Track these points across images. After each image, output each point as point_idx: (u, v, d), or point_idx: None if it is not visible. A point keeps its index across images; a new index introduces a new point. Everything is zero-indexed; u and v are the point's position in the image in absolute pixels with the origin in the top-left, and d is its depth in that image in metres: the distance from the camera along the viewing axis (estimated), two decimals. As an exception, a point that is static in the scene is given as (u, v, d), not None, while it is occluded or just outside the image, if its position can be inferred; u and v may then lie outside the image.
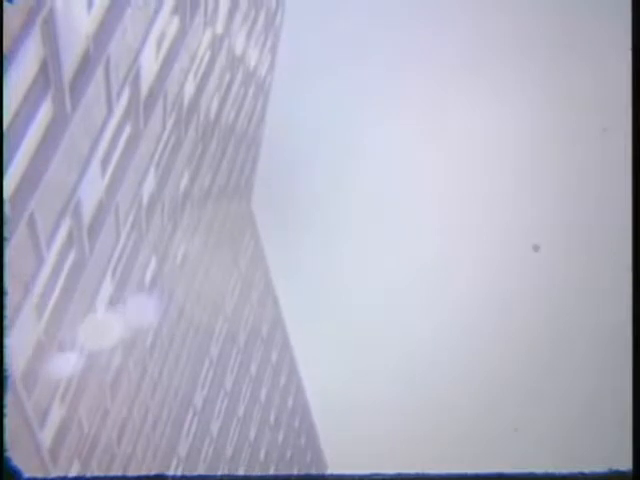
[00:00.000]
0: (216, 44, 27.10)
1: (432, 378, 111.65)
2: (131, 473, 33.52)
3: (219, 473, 51.02)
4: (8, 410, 16.17)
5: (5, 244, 5.30)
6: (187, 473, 45.03)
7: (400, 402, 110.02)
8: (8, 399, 15.68)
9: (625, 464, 4.44)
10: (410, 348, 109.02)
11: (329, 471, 76.47)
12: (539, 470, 4.37)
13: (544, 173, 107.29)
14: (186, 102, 25.32)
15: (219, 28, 27.07)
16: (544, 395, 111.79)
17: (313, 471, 72.93)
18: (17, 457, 16.91)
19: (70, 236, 18.02)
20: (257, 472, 58.69)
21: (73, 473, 24.54)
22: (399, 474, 4.27)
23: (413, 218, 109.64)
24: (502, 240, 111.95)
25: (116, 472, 30.65)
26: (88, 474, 26.21)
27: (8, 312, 14.87)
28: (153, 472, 38.34)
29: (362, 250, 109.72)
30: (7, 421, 4.71)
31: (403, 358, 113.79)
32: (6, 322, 4.68)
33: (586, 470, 4.37)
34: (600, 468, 4.40)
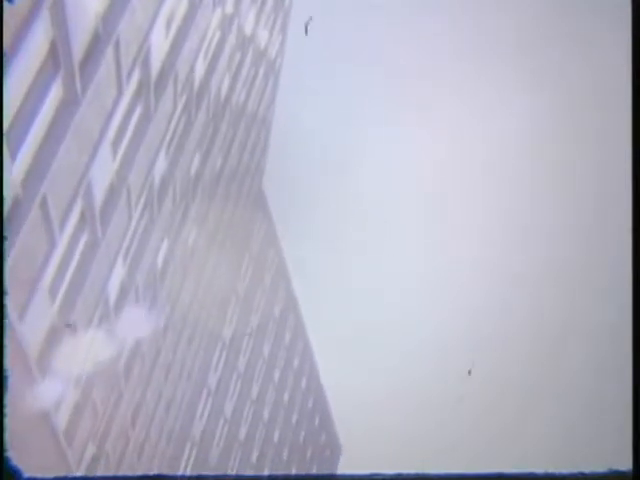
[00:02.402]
0: (226, 24, 26.93)
1: (432, 378, 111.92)
2: (146, 455, 33.63)
3: (233, 454, 51.18)
4: (23, 395, 16.09)
5: (5, 243, 5.19)
6: (201, 455, 45.15)
7: (399, 401, 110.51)
8: (22, 383, 15.61)
9: (625, 464, 4.42)
10: (410, 347, 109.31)
11: (344, 452, 76.71)
12: (539, 470, 4.32)
13: (544, 173, 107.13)
14: (197, 83, 25.18)
15: (229, 7, 26.89)
16: (544, 395, 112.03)
17: (327, 452, 73.13)
18: (33, 441, 16.91)
19: (82, 218, 17.95)
20: (271, 453, 58.86)
21: (88, 455, 24.59)
22: (399, 474, 4.25)
23: (414, 215, 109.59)
24: (502, 240, 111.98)
25: (131, 454, 30.74)
26: (103, 457, 26.28)
27: (14, 296, 14.82)
28: (168, 454, 38.46)
29: (372, 235, 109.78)
30: (12, 415, 4.63)
31: (403, 356, 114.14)
32: (6, 322, 4.59)
33: (586, 470, 4.31)
34: (600, 468, 4.37)
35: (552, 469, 4.35)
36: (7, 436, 4.32)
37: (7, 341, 4.54)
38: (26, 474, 4.32)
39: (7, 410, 4.38)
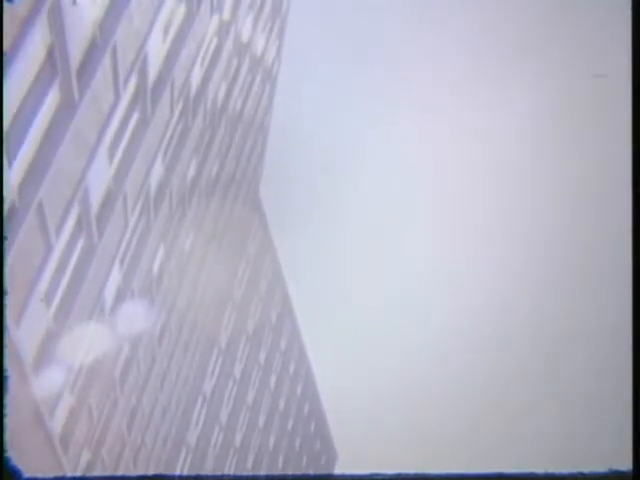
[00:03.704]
0: (223, 31, 26.99)
1: (432, 378, 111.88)
2: (141, 461, 33.59)
3: (228, 461, 51.13)
4: (18, 400, 16.06)
5: (5, 243, 5.22)
6: (196, 461, 45.07)
7: (399, 401, 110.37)
8: (17, 388, 15.57)
9: (625, 464, 4.46)
10: (411, 347, 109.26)
11: (339, 459, 76.64)
12: (539, 470, 4.36)
13: (544, 173, 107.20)
14: (193, 89, 25.23)
15: (226, 14, 26.94)
16: (544, 395, 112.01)
17: (323, 459, 73.07)
18: (28, 446, 16.86)
19: (79, 224, 17.98)
20: (266, 460, 58.79)
21: (84, 461, 24.57)
22: (399, 474, 4.28)
23: (413, 216, 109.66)
24: (502, 241, 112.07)
25: (126, 460, 30.70)
26: (98, 463, 26.25)
27: (10, 301, 14.82)
28: (163, 460, 38.41)
29: (370, 239, 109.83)
30: (9, 420, 4.65)
31: (403, 357, 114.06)
32: (6, 322, 4.64)
33: (586, 470, 4.34)
34: (600, 468, 4.39)
35: (552, 469, 4.38)
36: (7, 436, 4.34)
37: (7, 341, 4.58)
38: (26, 474, 4.34)
39: (7, 410, 4.40)
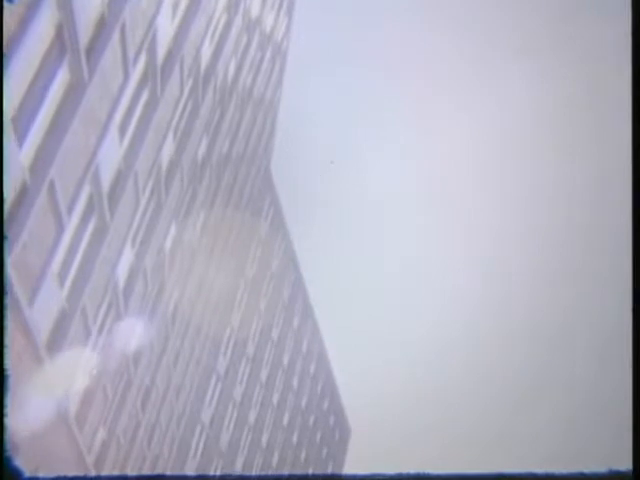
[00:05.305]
0: (232, 7, 26.81)
1: (432, 378, 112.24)
2: (156, 440, 33.73)
3: (242, 439, 51.32)
4: (32, 380, 16.05)
5: (5, 243, 5.18)
6: (211, 440, 45.21)
7: (398, 401, 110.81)
8: (31, 368, 15.55)
9: (625, 464, 4.46)
10: (410, 347, 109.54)
11: (353, 435, 76.95)
12: (539, 470, 4.35)
13: (544, 173, 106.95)
14: (203, 66, 25.10)
15: (234, -9, 26.77)
16: (544, 395, 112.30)
17: (336, 435, 73.34)
18: (44, 426, 16.84)
19: (90, 203, 17.93)
20: (281, 437, 59.02)
21: (99, 440, 24.65)
22: (399, 474, 4.30)
23: (415, 213, 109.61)
24: (503, 240, 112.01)
25: (141, 439, 30.83)
26: (113, 442, 26.34)
27: (20, 288, 14.77)
28: (177, 439, 38.56)
29: (379, 212, 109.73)
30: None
31: (403, 356, 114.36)
32: (6, 322, 4.59)
33: (586, 470, 4.34)
34: (600, 468, 4.39)
35: (552, 469, 4.38)
36: (7, 436, 4.29)
37: (7, 341, 4.52)
38: (26, 474, 4.30)
39: (7, 410, 4.36)
